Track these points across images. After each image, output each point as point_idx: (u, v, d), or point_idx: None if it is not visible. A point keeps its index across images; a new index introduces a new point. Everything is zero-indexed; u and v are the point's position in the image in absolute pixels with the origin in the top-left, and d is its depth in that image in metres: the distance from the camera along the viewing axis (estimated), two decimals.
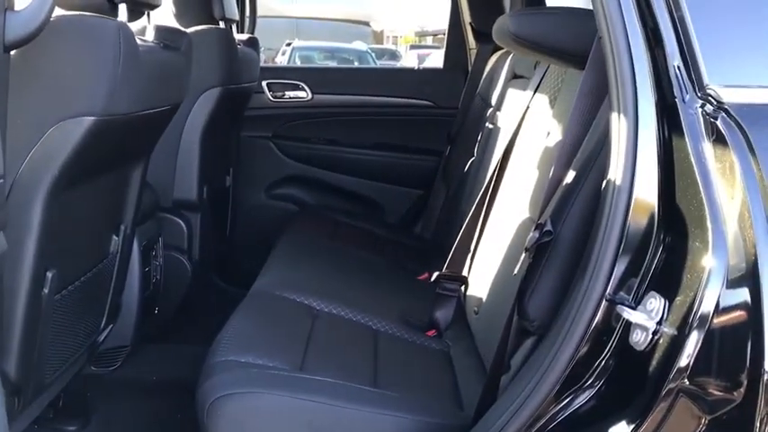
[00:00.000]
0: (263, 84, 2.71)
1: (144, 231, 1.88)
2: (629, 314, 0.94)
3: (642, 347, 0.93)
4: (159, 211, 2.02)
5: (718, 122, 0.94)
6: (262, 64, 2.83)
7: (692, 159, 0.93)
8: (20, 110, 1.15)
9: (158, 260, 1.98)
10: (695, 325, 0.88)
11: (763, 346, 0.85)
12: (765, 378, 0.85)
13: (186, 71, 1.63)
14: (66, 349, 1.49)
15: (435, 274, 1.72)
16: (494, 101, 2.19)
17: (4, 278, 1.18)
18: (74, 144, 1.19)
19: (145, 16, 1.53)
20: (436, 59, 3.07)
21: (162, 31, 1.57)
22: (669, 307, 0.91)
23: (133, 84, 1.26)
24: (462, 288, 1.72)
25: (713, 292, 0.87)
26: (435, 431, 1.23)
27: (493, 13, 1.40)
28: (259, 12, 3.01)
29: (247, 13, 2.81)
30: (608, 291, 0.97)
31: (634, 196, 0.96)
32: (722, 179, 0.91)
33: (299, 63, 10.23)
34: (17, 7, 1.00)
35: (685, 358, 0.89)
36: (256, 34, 2.78)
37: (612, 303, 0.97)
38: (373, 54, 12.66)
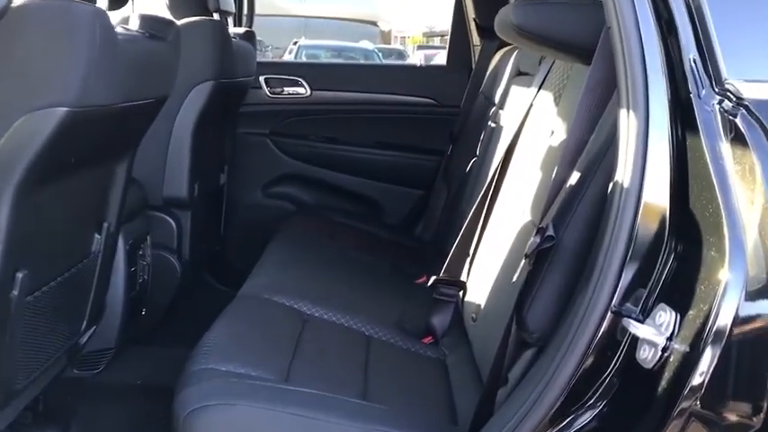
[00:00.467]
0: (261, 79, 2.63)
1: (130, 230, 1.81)
2: (636, 328, 0.86)
3: (650, 365, 0.85)
4: (148, 209, 1.95)
5: (738, 120, 0.86)
6: (262, 59, 2.76)
7: (708, 160, 0.85)
8: None
9: (146, 260, 1.90)
10: (710, 341, 0.80)
11: None
12: None
13: (173, 63, 1.55)
14: (41, 352, 1.41)
15: (432, 279, 1.65)
16: (497, 99, 2.11)
17: None
18: (44, 137, 1.11)
19: (129, 5, 1.45)
20: (443, 59, 2.98)
21: (147, 21, 1.49)
22: (681, 321, 0.83)
23: (111, 73, 1.18)
24: (461, 293, 1.64)
25: (730, 306, 0.80)
26: None
27: (497, 9, 1.32)
28: (267, 10, 2.95)
29: (245, 6, 2.72)
30: (614, 302, 0.89)
31: (643, 200, 0.89)
32: (741, 182, 0.83)
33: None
34: None
35: (698, 378, 0.81)
36: (264, 33, 2.71)
37: (618, 316, 0.89)
38: (380, 53, 12.62)
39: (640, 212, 0.88)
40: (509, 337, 1.14)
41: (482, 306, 1.48)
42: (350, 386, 1.28)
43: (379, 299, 1.75)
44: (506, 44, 2.25)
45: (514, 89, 1.98)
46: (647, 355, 0.85)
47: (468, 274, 1.64)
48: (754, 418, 0.79)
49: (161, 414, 1.68)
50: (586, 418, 0.92)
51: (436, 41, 18.80)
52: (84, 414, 1.76)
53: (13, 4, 1.08)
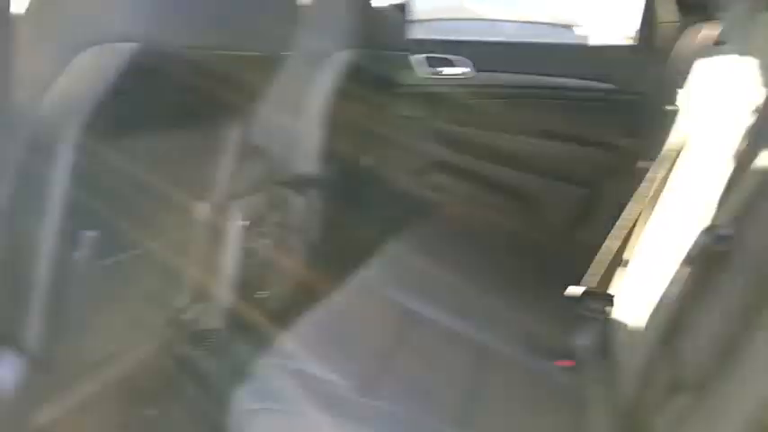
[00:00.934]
0: (418, 57, 2.41)
1: (249, 205, 1.67)
2: None
3: None
4: (273, 184, 1.80)
5: None
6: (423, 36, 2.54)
7: None
8: (42, 33, 0.95)
9: (266, 239, 1.76)
10: None
11: None
12: None
13: (290, 17, 1.37)
14: (129, 324, 1.30)
15: (579, 290, 1.33)
16: (687, 83, 1.71)
17: (19, 235, 0.99)
18: (109, 75, 0.96)
19: None
20: None
21: None
22: None
23: (194, 11, 1.01)
24: (611, 309, 1.31)
25: None
26: None
27: None
28: (452, 14, 2.75)
29: None
30: None
31: None
32: None
33: None
34: None
35: None
36: (450, 35, 2.51)
37: None
38: None
39: None
40: (655, 373, 0.81)
41: (636, 327, 1.15)
42: (445, 407, 1.02)
43: (511, 307, 1.46)
44: (701, 19, 1.85)
45: (707, 69, 1.58)
46: None
47: (622, 286, 1.31)
48: None
49: None
50: None
51: None
52: (189, 393, 1.65)
53: None
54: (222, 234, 1.55)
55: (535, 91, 2.41)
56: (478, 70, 2.44)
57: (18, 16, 0.96)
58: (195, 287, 1.50)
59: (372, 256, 1.69)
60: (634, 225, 1.30)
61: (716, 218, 0.80)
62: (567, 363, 1.30)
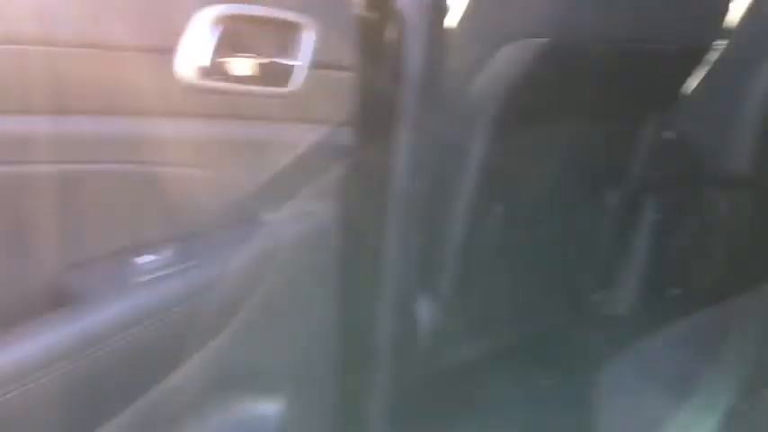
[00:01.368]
0: None
1: (667, 199, 1.66)
2: None
3: None
4: (692, 181, 1.74)
5: None
6: None
7: None
8: (473, 31, 1.14)
9: (683, 236, 1.72)
10: None
11: None
12: None
13: (717, 7, 1.32)
14: (527, 296, 1.45)
15: None
16: None
17: (445, 196, 1.21)
18: (521, 68, 1.10)
19: None
20: None
21: None
22: None
23: (598, 6, 1.09)
24: None
25: None
26: None
27: None
28: None
29: None
30: None
31: None
32: None
33: None
34: None
35: None
36: None
37: None
38: None
39: None
40: None
41: None
42: None
43: None
44: None
45: None
46: None
47: None
48: None
49: None
50: None
51: None
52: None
53: None
54: (634, 225, 1.57)
55: None
56: None
57: (454, 21, 1.17)
58: (602, 272, 1.56)
59: None
60: None
61: None
62: None
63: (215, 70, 0.65)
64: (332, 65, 0.77)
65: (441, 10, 1.00)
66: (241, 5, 0.66)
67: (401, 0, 0.95)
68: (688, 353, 1.09)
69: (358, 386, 1.12)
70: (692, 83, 1.42)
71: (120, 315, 0.57)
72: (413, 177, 1.01)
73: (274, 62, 0.72)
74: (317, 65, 0.75)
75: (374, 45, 0.97)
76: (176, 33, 0.60)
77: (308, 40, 0.73)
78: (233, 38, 0.67)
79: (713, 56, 1.37)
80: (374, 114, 0.99)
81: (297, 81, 0.73)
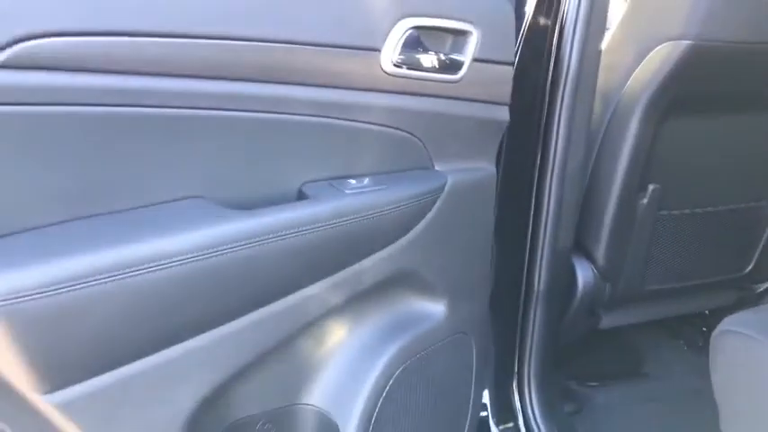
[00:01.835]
0: None
1: None
2: None
3: None
4: None
5: None
6: None
7: None
8: (630, 34, 1.37)
9: None
10: None
11: None
12: None
13: None
14: (688, 265, 1.60)
15: None
16: None
17: (602, 175, 1.45)
18: (669, 67, 1.32)
19: None
20: None
21: None
22: None
23: (740, 8, 1.26)
24: None
25: None
26: None
27: None
28: None
29: None
30: None
31: None
32: None
33: None
34: None
35: None
36: None
37: None
38: None
39: None
40: None
41: None
42: None
43: None
44: None
45: None
46: None
47: None
48: None
49: None
50: None
51: None
52: None
53: None
54: None
55: None
56: None
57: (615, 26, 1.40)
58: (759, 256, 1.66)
59: None
60: None
61: None
62: None
63: (407, 62, 0.99)
64: (491, 60, 1.07)
65: (599, 16, 1.25)
66: (426, 18, 0.99)
67: (564, 8, 1.23)
68: None
69: (509, 325, 1.40)
70: None
71: (334, 209, 0.93)
72: (566, 153, 1.28)
73: (449, 57, 1.04)
74: (478, 60, 1.05)
75: (539, 44, 1.26)
76: (381, 37, 0.95)
77: (472, 43, 1.04)
78: (420, 39, 1.00)
79: None
80: (534, 100, 1.27)
81: (464, 71, 1.05)
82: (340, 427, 1.06)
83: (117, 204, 0.82)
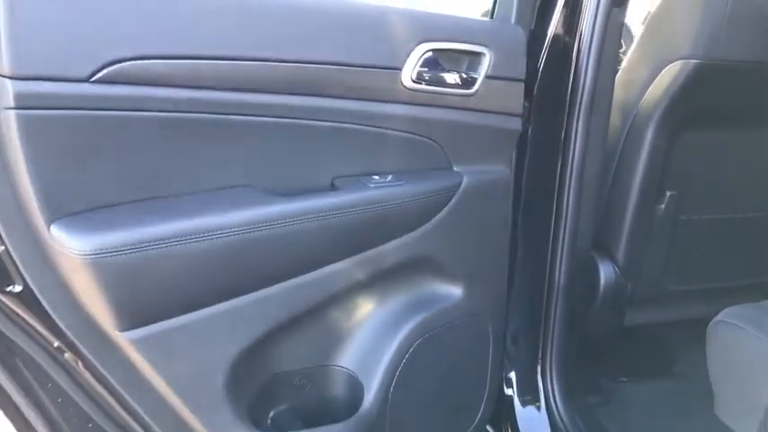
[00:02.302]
0: None
1: None
2: None
3: None
4: None
5: None
6: None
7: None
8: (645, 53, 1.52)
9: None
10: None
11: None
12: None
13: None
14: (710, 268, 1.71)
15: None
16: None
17: (622, 181, 1.59)
18: (679, 84, 1.46)
19: None
20: None
21: None
22: None
23: (743, 31, 1.39)
24: None
25: None
26: None
27: None
28: None
29: None
30: None
31: None
32: None
33: None
34: None
35: None
36: None
37: None
38: None
39: None
40: None
41: None
42: None
43: None
44: None
45: None
46: None
47: None
48: None
49: None
50: None
51: None
52: None
53: None
54: None
55: None
56: None
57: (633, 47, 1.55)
58: None
59: None
60: None
61: None
62: None
63: (425, 79, 1.19)
64: (502, 77, 1.25)
65: (613, 39, 1.41)
66: (442, 42, 1.18)
67: (581, 31, 1.40)
68: None
69: (534, 315, 1.56)
70: None
71: (358, 199, 1.14)
72: (583, 162, 1.43)
73: (464, 74, 1.23)
74: (491, 77, 1.24)
75: (559, 64, 1.43)
76: (402, 58, 1.15)
77: (485, 62, 1.22)
78: (438, 60, 1.20)
79: None
80: (555, 114, 1.44)
81: (477, 86, 1.23)
82: (364, 386, 1.26)
83: (186, 188, 1.05)
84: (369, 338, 1.26)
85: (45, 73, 0.87)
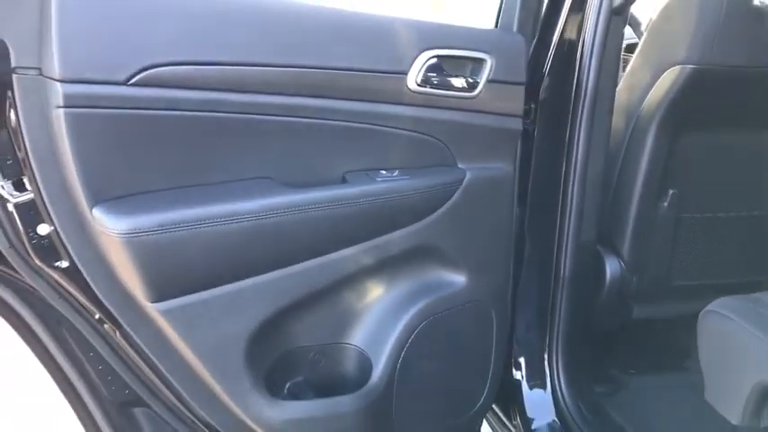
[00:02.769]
0: None
1: None
2: None
3: None
4: None
5: None
6: None
7: None
8: (647, 59, 1.61)
9: None
10: None
11: None
12: None
13: None
14: (714, 265, 1.78)
15: None
16: None
17: (626, 180, 1.68)
18: (677, 88, 1.54)
19: None
20: None
21: None
22: None
23: (737, 37, 1.47)
24: None
25: None
26: None
27: None
28: None
29: None
30: None
31: None
32: None
33: None
34: None
35: None
36: None
37: None
38: None
39: None
40: None
41: None
42: None
43: None
44: None
45: None
46: None
47: None
48: None
49: None
50: None
51: None
52: None
53: None
54: None
55: None
56: None
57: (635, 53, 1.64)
58: None
59: None
60: None
61: None
62: None
63: (429, 83, 1.30)
64: (503, 81, 1.36)
65: (614, 46, 1.50)
66: (445, 50, 1.30)
67: (585, 31, 1.49)
68: None
69: (541, 305, 1.66)
70: None
71: (366, 191, 1.25)
72: (586, 161, 1.53)
73: (466, 78, 1.34)
74: (492, 81, 1.35)
75: (562, 70, 1.53)
76: (408, 64, 1.27)
77: (487, 68, 1.33)
78: (441, 65, 1.31)
79: None
80: (559, 116, 1.54)
81: (479, 90, 1.34)
82: (373, 363, 1.38)
83: (211, 179, 1.19)
84: (377, 319, 1.38)
85: (89, 77, 1.02)
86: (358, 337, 1.38)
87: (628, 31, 2.39)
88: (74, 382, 1.34)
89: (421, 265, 1.40)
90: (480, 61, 1.32)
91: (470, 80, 1.33)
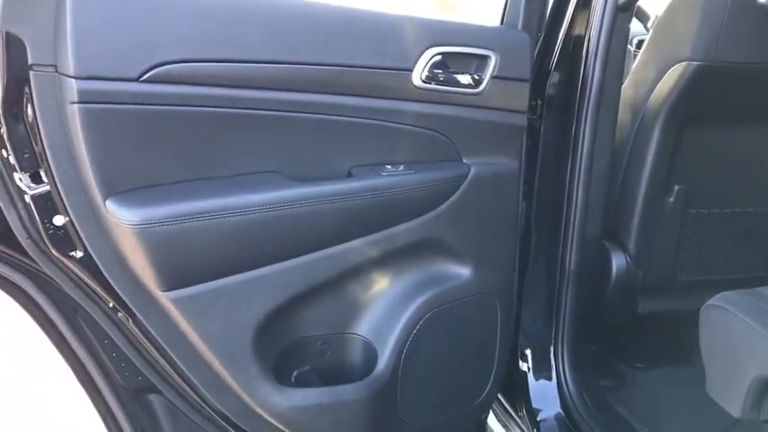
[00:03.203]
0: None
1: None
2: None
3: None
4: None
5: None
6: None
7: None
8: (653, 55, 1.62)
9: None
10: None
11: None
12: None
13: None
14: (720, 261, 1.79)
15: None
16: None
17: (632, 175, 1.69)
18: (682, 84, 1.56)
19: None
20: None
21: None
22: None
23: (741, 34, 1.48)
24: None
25: None
26: None
27: None
28: None
29: None
30: None
31: None
32: None
33: None
34: None
35: None
36: None
37: None
38: None
39: None
40: None
41: None
42: None
43: None
44: None
45: None
46: None
47: None
48: None
49: None
50: None
51: None
52: None
53: None
54: None
55: None
56: None
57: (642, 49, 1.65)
58: None
59: None
60: None
61: None
62: None
63: (434, 79, 1.33)
64: (508, 77, 1.38)
65: (619, 44, 1.52)
66: (450, 47, 1.33)
67: (591, 29, 1.51)
68: None
69: (547, 298, 1.68)
70: None
71: (371, 185, 1.29)
72: (592, 157, 1.55)
73: (471, 75, 1.36)
74: (497, 77, 1.37)
75: (568, 68, 1.55)
76: (413, 61, 1.30)
77: (491, 64, 1.35)
78: (446, 61, 1.33)
79: None
80: (565, 113, 1.56)
81: (483, 86, 1.37)
82: (378, 352, 1.41)
83: (220, 172, 1.22)
84: (383, 310, 1.41)
85: (102, 74, 1.06)
86: (364, 328, 1.41)
87: (641, 28, 2.40)
88: (89, 369, 1.39)
89: (426, 258, 1.43)
90: (485, 58, 1.35)
91: (475, 77, 1.35)
